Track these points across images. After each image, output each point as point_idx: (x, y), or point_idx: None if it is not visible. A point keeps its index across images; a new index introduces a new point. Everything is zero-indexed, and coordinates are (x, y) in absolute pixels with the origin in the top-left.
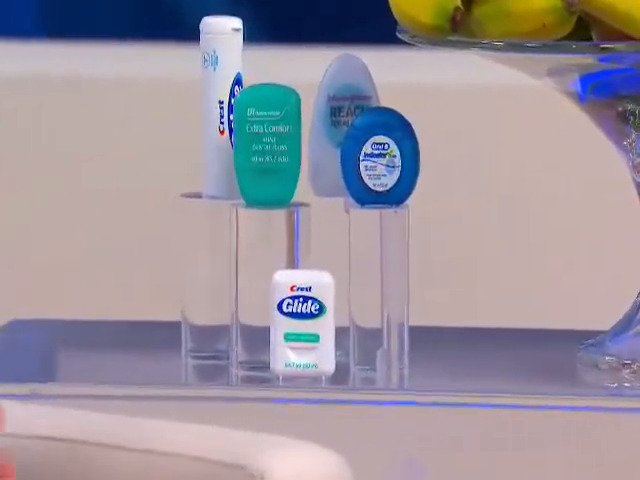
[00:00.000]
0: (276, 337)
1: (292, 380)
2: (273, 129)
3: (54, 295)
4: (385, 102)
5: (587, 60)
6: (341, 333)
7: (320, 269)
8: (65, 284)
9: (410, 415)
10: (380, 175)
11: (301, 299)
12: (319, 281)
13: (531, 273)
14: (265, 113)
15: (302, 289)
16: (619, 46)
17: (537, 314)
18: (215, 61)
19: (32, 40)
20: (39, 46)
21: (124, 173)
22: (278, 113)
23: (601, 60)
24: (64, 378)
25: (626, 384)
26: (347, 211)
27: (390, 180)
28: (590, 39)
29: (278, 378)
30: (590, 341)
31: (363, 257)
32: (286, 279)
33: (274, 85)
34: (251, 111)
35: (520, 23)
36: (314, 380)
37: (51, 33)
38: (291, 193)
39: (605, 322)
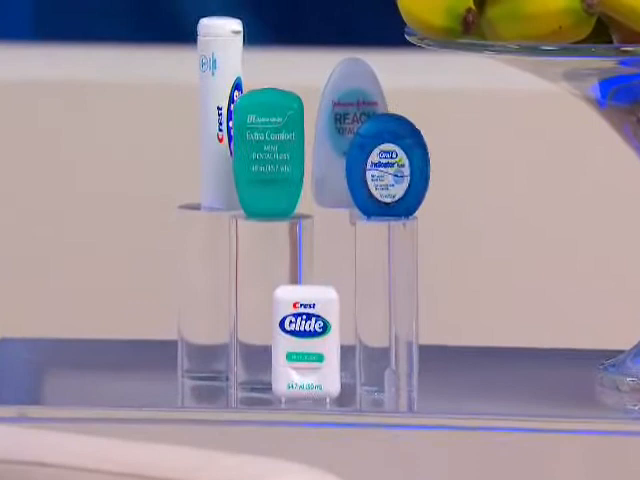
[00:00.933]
0: (278, 357)
1: (295, 402)
2: (275, 137)
3: (44, 313)
4: (393, 108)
5: (607, 64)
6: (347, 352)
7: (324, 285)
8: (56, 301)
9: (420, 439)
10: (388, 185)
11: (304, 316)
12: (323, 297)
13: (547, 290)
14: (266, 120)
15: (305, 306)
16: None
17: (554, 333)
18: (213, 65)
19: (25, 43)
20: (32, 49)
21: (118, 183)
22: (280, 120)
23: (621, 64)
24: (54, 400)
25: None
26: (353, 223)
27: (398, 190)
28: (610, 42)
29: (280, 400)
30: (610, 361)
31: (370, 272)
32: (288, 295)
33: (276, 90)
34: (251, 118)
35: (535, 25)
36: (318, 402)
37: (44, 36)
38: (293, 204)
39: (626, 341)
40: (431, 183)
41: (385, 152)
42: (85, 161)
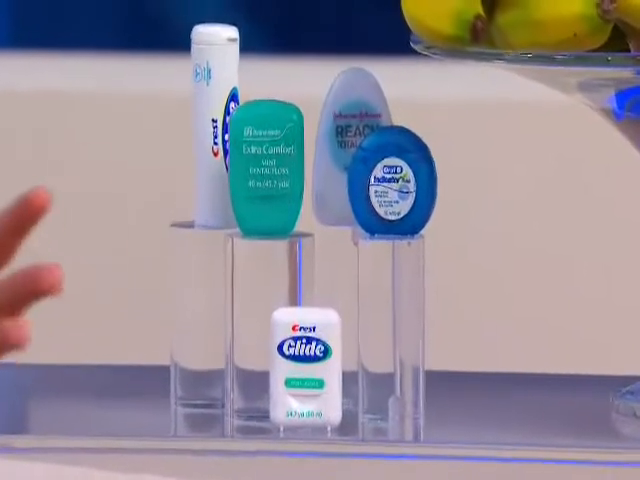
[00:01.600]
0: (276, 383)
1: (294, 431)
2: (273, 150)
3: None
4: (397, 120)
5: (624, 74)
6: (349, 378)
7: (325, 307)
8: (41, 323)
9: (426, 470)
10: (392, 202)
11: (304, 340)
12: (324, 320)
13: (561, 312)
14: (264, 133)
15: (305, 329)
16: None
17: (567, 358)
18: (208, 75)
19: (4, 52)
20: (12, 58)
21: (106, 200)
22: (278, 133)
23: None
24: (40, 429)
25: None
26: (355, 242)
27: (403, 207)
28: (627, 51)
29: (278, 428)
30: (627, 388)
31: (373, 293)
32: (287, 318)
33: (274, 101)
34: (248, 130)
35: (549, 32)
36: (318, 431)
37: (24, 44)
38: (293, 222)
39: None
40: (438, 199)
41: (389, 167)
42: (69, 177)
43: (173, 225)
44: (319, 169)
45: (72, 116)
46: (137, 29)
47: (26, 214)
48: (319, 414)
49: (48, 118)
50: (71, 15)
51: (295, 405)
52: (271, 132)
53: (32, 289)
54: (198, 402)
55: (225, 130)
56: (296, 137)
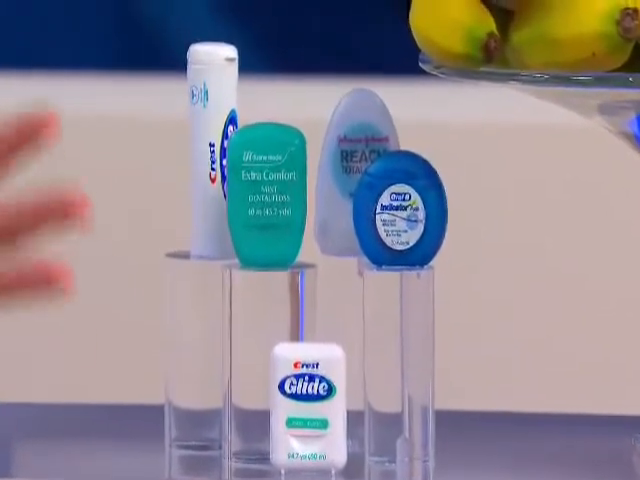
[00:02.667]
0: (277, 423)
1: (296, 474)
2: (274, 176)
3: (15, 373)
4: (405, 144)
5: None
6: (354, 418)
7: (329, 342)
8: (28, 360)
9: None
10: (400, 231)
11: (307, 377)
12: (328, 356)
13: (578, 350)
14: (264, 157)
15: (308, 366)
16: None
17: (585, 397)
18: (205, 96)
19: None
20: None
21: (96, 228)
22: (279, 157)
23: None
24: (26, 473)
25: None
26: (361, 273)
27: (412, 237)
28: None
29: (280, 472)
30: None
31: (380, 328)
32: (289, 354)
33: (275, 124)
34: (248, 155)
35: (566, 51)
36: (322, 474)
37: (6, 64)
38: (294, 252)
39: None
40: (449, 228)
41: (397, 194)
42: None
43: (168, 255)
44: (322, 196)
45: (61, 140)
46: (129, 48)
47: (28, 129)
48: (323, 456)
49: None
50: (58, 34)
51: (297, 446)
52: (272, 157)
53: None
54: (194, 443)
55: (223, 155)
56: (298, 162)
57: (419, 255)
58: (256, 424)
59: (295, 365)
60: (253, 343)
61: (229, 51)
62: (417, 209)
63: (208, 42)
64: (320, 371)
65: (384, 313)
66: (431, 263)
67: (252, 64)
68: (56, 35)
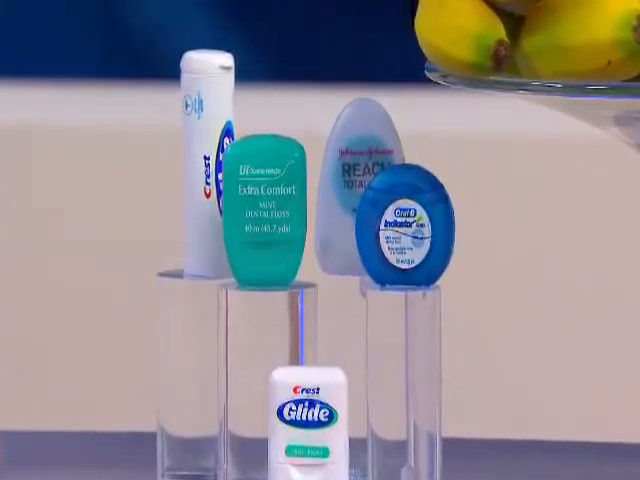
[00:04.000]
0: (276, 451)
1: None
2: (272, 191)
3: (2, 400)
4: (411, 157)
5: None
6: (357, 446)
7: (330, 366)
8: (15, 386)
9: None
10: (405, 248)
11: (307, 403)
12: (329, 381)
13: (589, 376)
14: (262, 171)
15: (308, 391)
16: None
17: (595, 424)
18: (199, 106)
19: None
20: None
21: (85, 246)
22: (278, 171)
23: None
24: None
25: None
26: (363, 293)
27: (417, 255)
28: None
29: None
30: None
31: (384, 351)
32: (288, 378)
33: (273, 136)
34: (244, 169)
35: (580, 60)
36: None
37: None
38: (294, 271)
39: None
40: (456, 246)
41: (402, 209)
42: (42, 220)
43: (160, 275)
44: (323, 212)
45: (44, 151)
46: (119, 55)
47: None
48: None
49: (22, 155)
50: (44, 42)
51: (297, 476)
52: (270, 171)
53: None
54: (188, 473)
55: (218, 168)
56: (298, 176)
57: (425, 274)
58: (253, 452)
59: (294, 390)
60: (250, 367)
61: (225, 59)
62: (423, 225)
63: (203, 49)
64: (321, 396)
65: (388, 335)
66: (438, 282)
67: (249, 72)
68: (39, 41)
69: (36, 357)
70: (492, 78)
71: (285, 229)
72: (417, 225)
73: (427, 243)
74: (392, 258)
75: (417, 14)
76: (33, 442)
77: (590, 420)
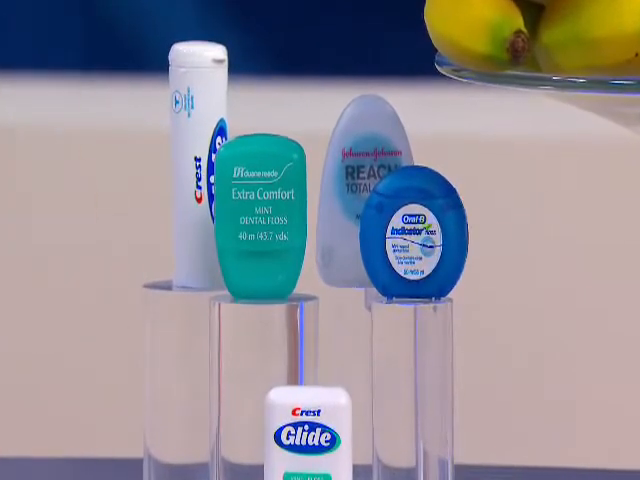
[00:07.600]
0: (273, 479)
1: None
2: (268, 196)
3: None
4: (420, 159)
5: None
6: (361, 473)
7: (332, 385)
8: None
9: None
10: (414, 258)
11: (307, 427)
12: (331, 402)
13: (608, 399)
14: (258, 174)
15: (308, 413)
16: None
17: (611, 451)
18: (190, 103)
19: None
20: None
21: (67, 254)
22: (275, 174)
23: None
24: None
25: None
26: (369, 306)
27: (427, 265)
28: None
29: None
30: None
31: (391, 369)
32: (286, 399)
33: (270, 136)
34: (239, 171)
35: (605, 53)
36: None
37: None
38: (292, 282)
39: None
40: (469, 255)
41: (410, 215)
42: (22, 225)
43: (146, 286)
44: (325, 218)
45: (23, 152)
46: (101, 46)
47: None
48: None
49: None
50: (22, 32)
51: None
52: (266, 173)
53: None
54: None
55: (210, 171)
56: (297, 180)
57: (436, 285)
58: None
59: (293, 412)
60: (245, 387)
61: (217, 51)
62: (433, 233)
63: (194, 40)
64: (322, 419)
65: (395, 353)
66: (449, 295)
67: (244, 66)
68: (17, 33)
69: (16, 381)
70: (509, 72)
71: (283, 237)
72: (427, 233)
73: (438, 252)
74: (400, 268)
75: (427, 3)
76: (16, 469)
77: (614, 449)
